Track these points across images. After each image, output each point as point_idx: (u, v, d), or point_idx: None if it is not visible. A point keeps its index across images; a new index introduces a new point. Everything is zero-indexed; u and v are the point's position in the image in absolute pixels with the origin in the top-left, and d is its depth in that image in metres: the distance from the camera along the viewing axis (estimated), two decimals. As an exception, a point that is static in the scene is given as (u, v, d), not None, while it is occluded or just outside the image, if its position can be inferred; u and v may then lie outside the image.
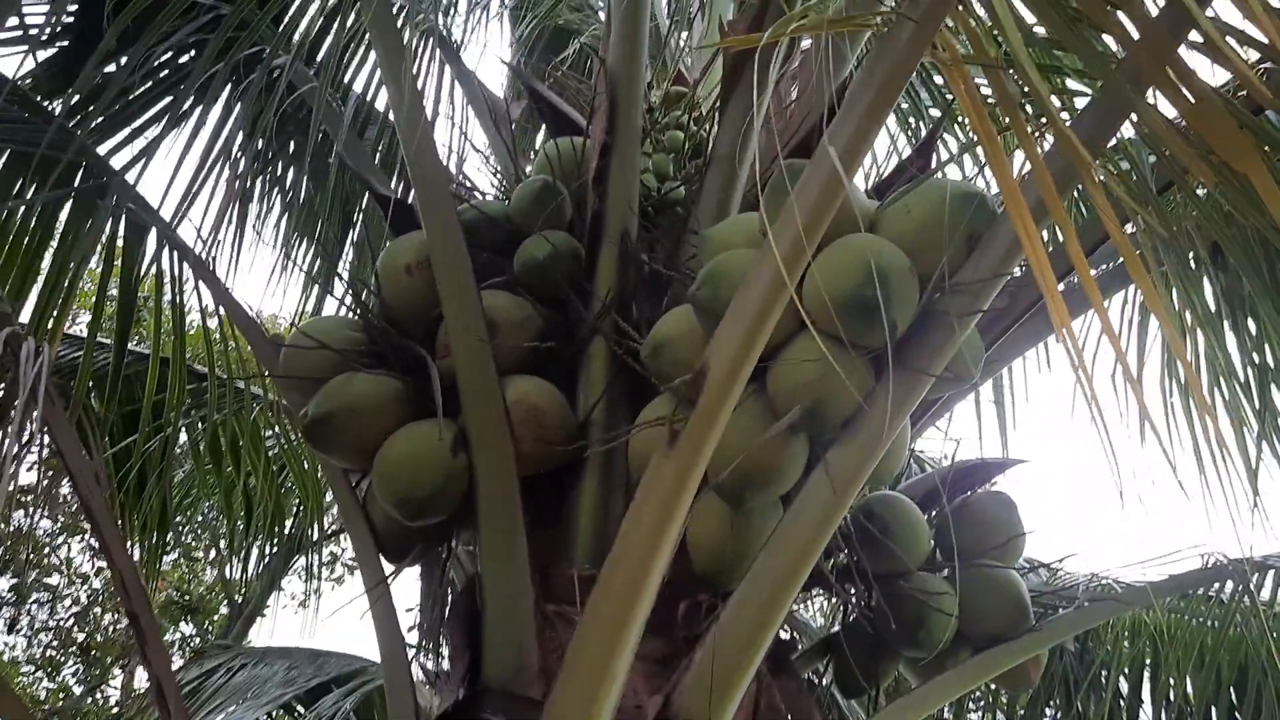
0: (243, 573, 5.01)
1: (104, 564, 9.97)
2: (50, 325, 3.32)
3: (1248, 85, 1.85)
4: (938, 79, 4.61)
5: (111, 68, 3.68)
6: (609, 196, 2.80)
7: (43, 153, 3.25)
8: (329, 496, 5.05)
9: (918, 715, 2.91)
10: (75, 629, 10.36)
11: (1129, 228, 2.95)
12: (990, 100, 2.14)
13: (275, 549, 5.05)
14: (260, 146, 3.75)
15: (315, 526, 4.73)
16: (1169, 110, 1.83)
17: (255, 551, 5.09)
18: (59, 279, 3.48)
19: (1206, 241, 2.88)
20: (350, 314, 2.92)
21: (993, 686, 4.92)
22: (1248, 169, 1.66)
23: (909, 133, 4.73)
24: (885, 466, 2.51)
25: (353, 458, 2.64)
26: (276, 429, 4.29)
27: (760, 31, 2.67)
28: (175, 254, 3.41)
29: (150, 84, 3.84)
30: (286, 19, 3.71)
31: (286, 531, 5.24)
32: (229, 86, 3.77)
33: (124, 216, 3.42)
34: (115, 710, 10.09)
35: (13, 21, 3.44)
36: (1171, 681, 4.15)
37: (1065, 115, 1.81)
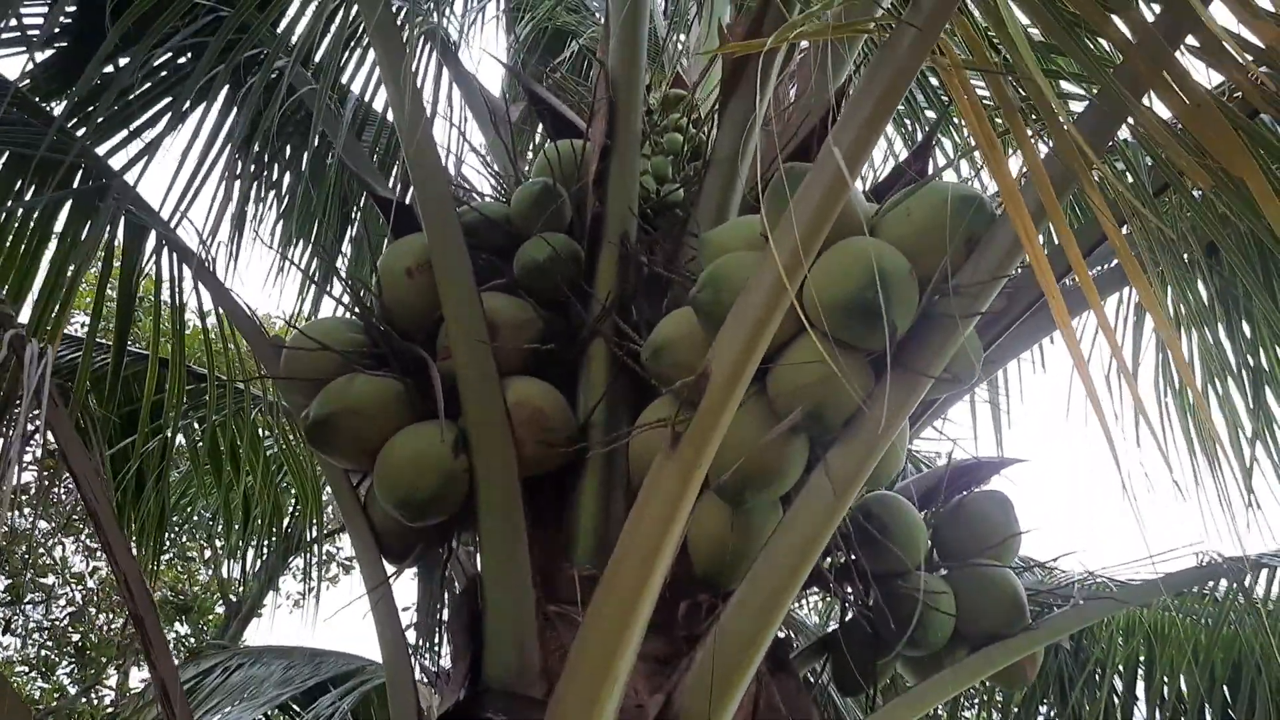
0: (241, 572, 5.01)
1: (99, 564, 9.96)
2: (49, 326, 3.32)
3: (1244, 90, 1.87)
4: (934, 81, 4.63)
5: (110, 69, 3.69)
6: (609, 199, 2.82)
7: (42, 154, 3.25)
8: (326, 496, 5.07)
9: (915, 713, 2.93)
10: (70, 629, 10.34)
11: (1125, 229, 2.98)
12: (988, 104, 2.16)
13: (272, 548, 5.05)
14: (259, 148, 3.75)
15: (313, 526, 4.73)
16: (1164, 114, 1.86)
17: (252, 551, 5.10)
18: (58, 280, 3.48)
19: (1202, 244, 2.90)
20: (350, 315, 2.92)
21: (989, 684, 4.95)
22: (1243, 172, 1.69)
23: (905, 135, 4.76)
24: (884, 467, 2.52)
25: (354, 459, 2.65)
26: (275, 430, 4.29)
27: (759, 34, 2.70)
28: (174, 255, 3.42)
29: (150, 85, 3.85)
30: (285, 21, 3.72)
31: (285, 531, 5.24)
32: (228, 88, 3.78)
33: (123, 217, 3.43)
34: (110, 711, 10.07)
35: (11, 23, 3.44)
36: (1165, 680, 4.17)
37: (1062, 120, 1.82)
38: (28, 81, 3.76)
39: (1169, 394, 3.64)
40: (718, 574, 2.47)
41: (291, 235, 4.28)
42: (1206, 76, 1.91)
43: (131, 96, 3.79)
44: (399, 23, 3.09)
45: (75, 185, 3.46)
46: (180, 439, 4.52)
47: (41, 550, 10.20)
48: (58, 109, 3.79)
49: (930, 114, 4.66)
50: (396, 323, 2.77)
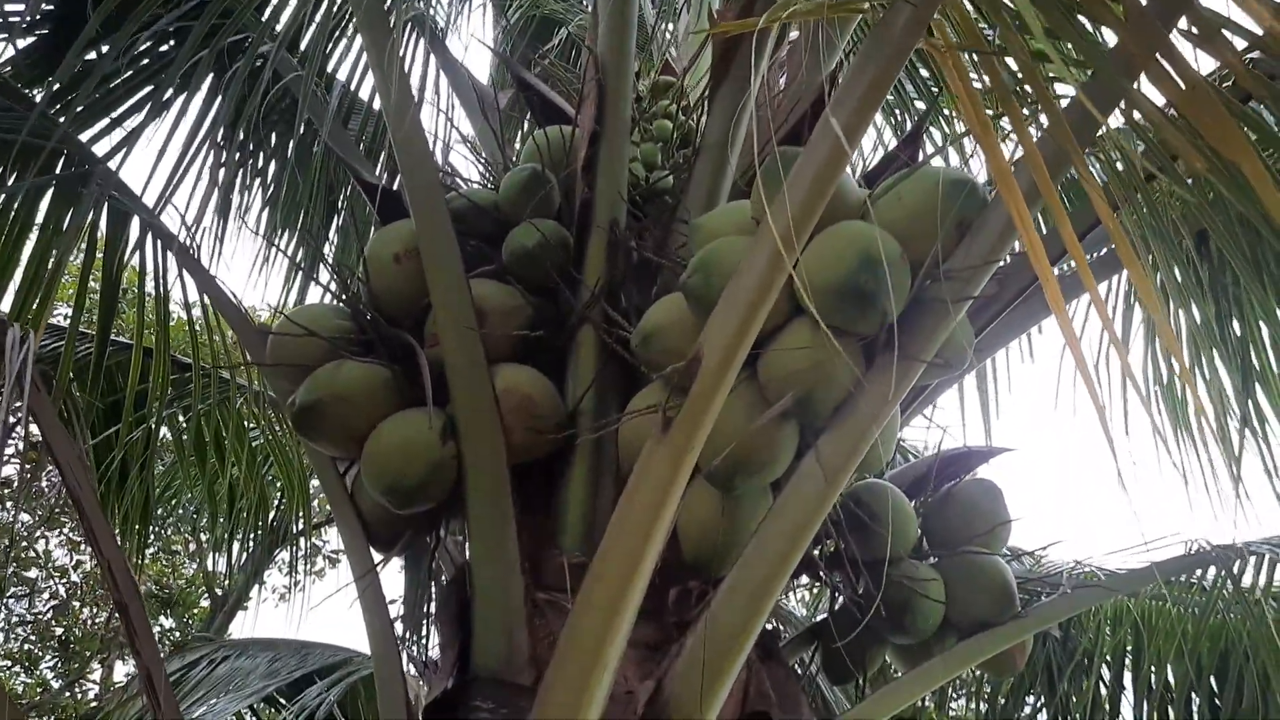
0: (227, 565, 4.97)
1: (83, 558, 9.90)
2: (31, 315, 3.28)
3: (1237, 73, 1.86)
4: (924, 72, 4.63)
5: (92, 55, 3.65)
6: (598, 185, 2.79)
7: (24, 140, 3.21)
8: (312, 489, 5.04)
9: (904, 701, 2.93)
10: (54, 623, 10.27)
11: (1115, 215, 2.98)
12: (981, 89, 2.15)
13: (258, 541, 5.02)
14: (244, 136, 3.72)
15: (300, 518, 4.70)
16: (1157, 99, 1.85)
17: (237, 544, 5.06)
18: (39, 268, 3.44)
19: (1192, 231, 2.90)
20: (337, 302, 2.90)
21: (977, 674, 4.96)
22: (1237, 155, 1.68)
23: (894, 126, 4.75)
24: (875, 454, 2.51)
25: (341, 446, 2.63)
26: (261, 420, 4.26)
27: (750, 18, 2.67)
28: (159, 242, 3.38)
29: (133, 72, 3.81)
30: (270, 9, 3.69)
31: (270, 523, 5.21)
32: (211, 76, 3.74)
33: (106, 204, 3.39)
34: (94, 705, 10.01)
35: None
36: (1153, 669, 4.17)
37: (1055, 101, 1.81)
38: (9, 68, 3.72)
39: (1155, 383, 3.64)
40: (708, 560, 2.46)
41: (277, 224, 4.24)
42: (1196, 62, 1.90)
43: (114, 84, 3.74)
44: (386, 7, 3.05)
45: (57, 172, 3.42)
46: (165, 431, 4.48)
47: (24, 543, 10.13)
48: (40, 96, 3.74)
49: (920, 105, 4.65)
50: (384, 309, 2.75)
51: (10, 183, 3.36)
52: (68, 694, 10.22)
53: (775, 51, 3.06)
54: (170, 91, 3.55)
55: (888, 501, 2.79)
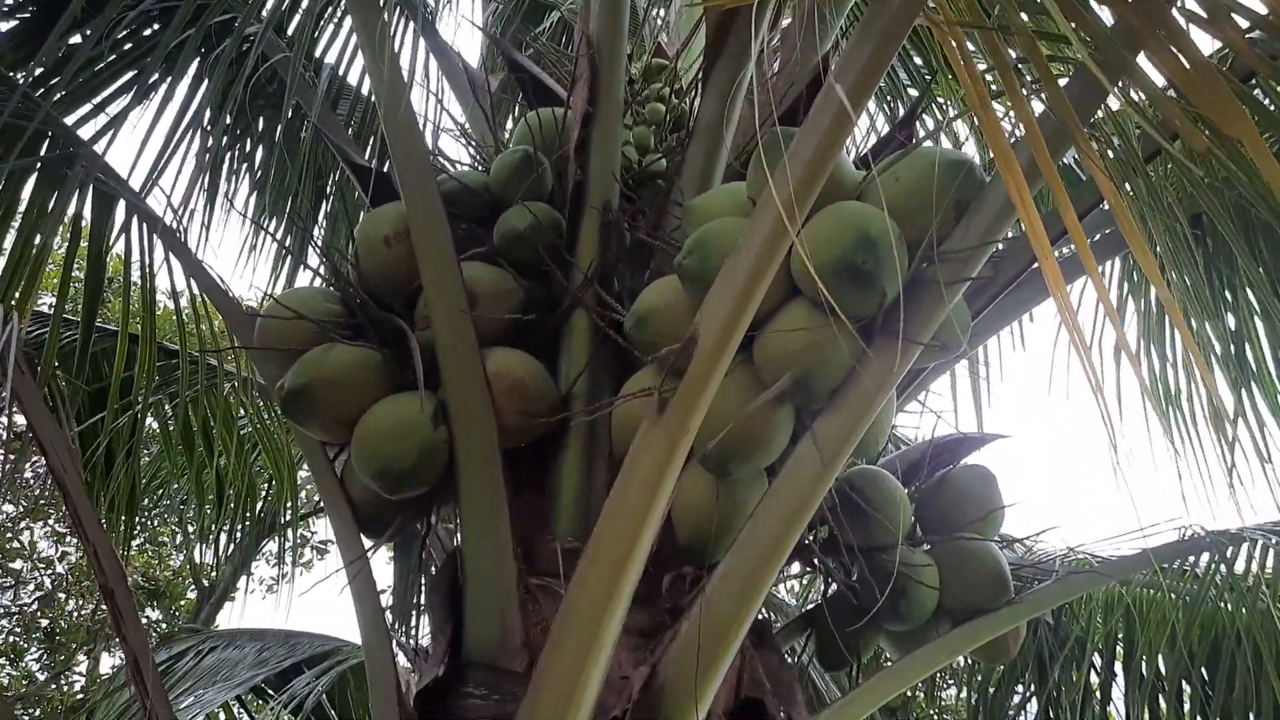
0: (215, 555, 4.93)
1: (69, 549, 9.84)
2: (15, 300, 3.23)
3: (1240, 52, 1.84)
4: (917, 60, 4.61)
5: (77, 39, 3.60)
6: (591, 166, 2.77)
7: (7, 122, 3.16)
8: (300, 478, 4.99)
9: (898, 688, 2.91)
10: (40, 615, 10.21)
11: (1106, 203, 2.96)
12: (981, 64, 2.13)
13: (246, 530, 4.97)
14: (231, 119, 3.67)
15: (288, 507, 4.66)
16: (1157, 79, 1.83)
17: (225, 534, 5.02)
18: (24, 252, 3.39)
19: (1187, 215, 2.88)
20: (326, 286, 2.86)
21: (967, 661, 4.96)
22: (1240, 133, 1.66)
23: (888, 113, 4.73)
24: (871, 438, 2.49)
25: (331, 430, 2.59)
26: (249, 408, 4.22)
27: (744, -2, 2.65)
28: (144, 225, 3.34)
29: (116, 55, 3.76)
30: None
31: (258, 514, 5.17)
32: (198, 57, 3.70)
33: (92, 187, 3.34)
34: (80, 697, 9.96)
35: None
36: (1144, 658, 4.17)
37: (1055, 77, 1.78)
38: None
39: (1150, 368, 3.63)
40: (702, 545, 2.44)
41: (265, 209, 4.20)
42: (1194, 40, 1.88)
43: (99, 67, 3.70)
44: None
45: (42, 154, 3.37)
46: (151, 421, 4.43)
47: (9, 535, 10.06)
48: (23, 81, 3.69)
49: (913, 92, 4.64)
50: (374, 292, 2.71)
51: (-6, 166, 3.31)
52: (53, 686, 10.16)
53: (773, 29, 3.04)
54: (156, 75, 3.51)
55: (881, 487, 2.77)
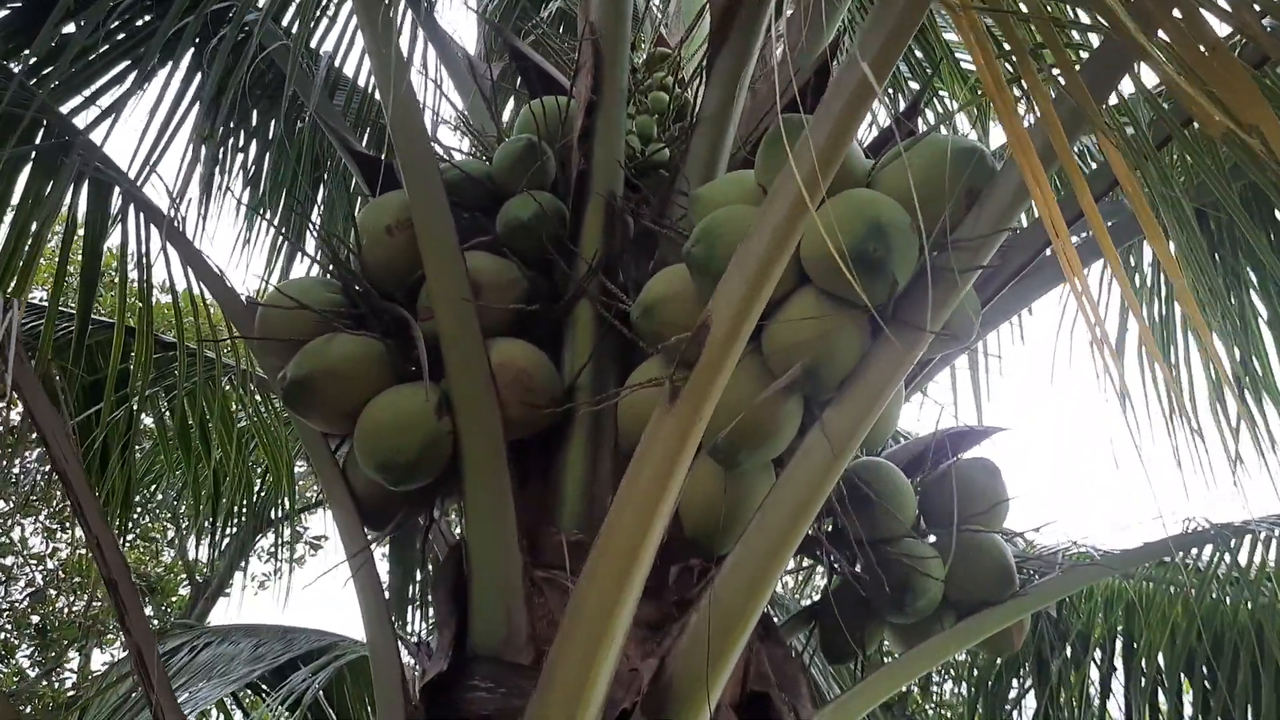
0: (211, 549, 4.89)
1: (59, 545, 9.78)
2: (10, 291, 3.19)
3: (1255, 36, 1.82)
4: (917, 53, 4.59)
5: (71, 28, 3.55)
6: (595, 155, 2.74)
7: (2, 110, 3.12)
8: (295, 471, 4.95)
9: (904, 680, 2.90)
10: (31, 611, 10.14)
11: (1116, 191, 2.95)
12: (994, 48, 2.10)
13: (243, 525, 4.94)
14: (229, 108, 3.63)
15: (285, 501, 4.62)
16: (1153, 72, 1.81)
17: (220, 528, 4.98)
18: (19, 242, 3.35)
19: (1193, 205, 2.87)
20: (326, 275, 2.83)
21: (964, 655, 4.95)
22: (1258, 118, 1.64)
23: (888, 107, 4.72)
24: (879, 429, 2.48)
25: (333, 422, 2.56)
26: (246, 401, 4.18)
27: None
28: (141, 215, 3.30)
29: (109, 46, 3.71)
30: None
31: (253, 508, 5.13)
32: (193, 48, 3.66)
33: (88, 176, 3.30)
34: (71, 693, 9.90)
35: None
36: (1145, 651, 4.16)
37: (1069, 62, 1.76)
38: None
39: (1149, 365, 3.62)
40: (709, 537, 2.42)
41: (265, 199, 4.16)
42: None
43: (93, 56, 3.65)
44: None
45: (37, 143, 3.33)
46: (147, 417, 4.39)
47: (0, 531, 9.99)
48: (19, 69, 3.65)
49: (914, 85, 4.62)
50: (375, 282, 2.68)
51: (-10, 154, 3.26)
52: (44, 683, 10.10)
53: (775, 21, 3.01)
54: (154, 63, 3.46)
55: (887, 479, 2.76)
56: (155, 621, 10.62)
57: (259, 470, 5.04)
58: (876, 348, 2.18)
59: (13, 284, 3.24)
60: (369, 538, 2.57)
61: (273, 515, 5.77)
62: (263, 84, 4.06)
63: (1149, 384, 3.43)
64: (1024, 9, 1.82)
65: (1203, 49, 1.67)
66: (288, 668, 4.79)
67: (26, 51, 3.65)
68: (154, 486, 5.73)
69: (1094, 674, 4.42)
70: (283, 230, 4.09)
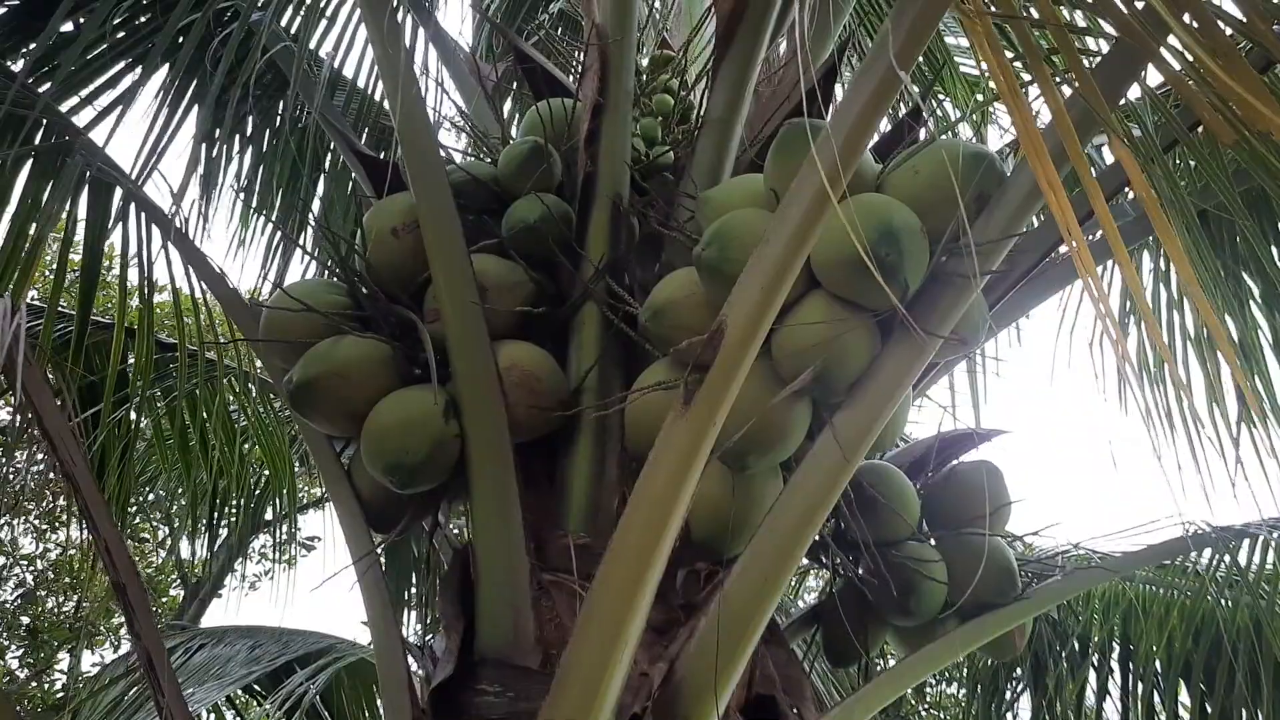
0: (208, 551, 4.87)
1: (49, 546, 9.73)
2: (9, 291, 3.17)
3: (1265, 40, 1.83)
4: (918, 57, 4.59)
5: (69, 27, 3.53)
6: (601, 158, 2.74)
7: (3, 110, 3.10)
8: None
9: (908, 683, 2.90)
10: (20, 611, 10.08)
11: (1130, 194, 2.96)
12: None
13: (239, 525, 4.91)
14: (230, 108, 3.61)
15: (282, 501, 4.60)
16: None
17: (216, 529, 4.96)
18: (18, 242, 3.33)
19: (1196, 209, 2.88)
20: (331, 277, 2.82)
21: (958, 659, 4.95)
22: (1269, 125, 1.64)
23: (889, 112, 4.71)
24: (888, 432, 2.48)
25: (339, 424, 2.55)
26: (247, 403, 4.16)
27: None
28: (142, 215, 3.28)
29: (107, 45, 3.69)
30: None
31: (249, 508, 5.11)
32: (195, 47, 3.64)
33: (88, 176, 3.28)
34: (60, 695, 9.84)
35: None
36: (1145, 654, 4.17)
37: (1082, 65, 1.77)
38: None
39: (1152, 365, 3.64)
40: (717, 541, 2.41)
41: (266, 195, 4.14)
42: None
43: (92, 55, 3.63)
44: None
45: (36, 143, 3.31)
46: (143, 418, 4.36)
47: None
48: (14, 67, 3.62)
49: (913, 88, 4.61)
50: (381, 284, 2.68)
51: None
52: (33, 684, 10.04)
53: (779, 27, 3.01)
54: (154, 62, 3.45)
55: (892, 482, 2.76)
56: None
57: (254, 470, 5.01)
58: (886, 352, 2.19)
59: (11, 284, 3.22)
60: (375, 541, 2.56)
61: (266, 516, 5.75)
62: (262, 84, 4.05)
63: (1149, 386, 3.44)
64: (1034, 14, 1.83)
65: (1213, 56, 1.67)
66: (283, 671, 4.76)
67: (27, 50, 3.63)
68: (148, 488, 5.70)
69: (1091, 677, 4.43)
70: (289, 232, 4.06)
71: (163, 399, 4.25)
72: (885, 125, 4.74)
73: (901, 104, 4.63)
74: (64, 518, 9.60)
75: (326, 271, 3.72)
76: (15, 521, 9.77)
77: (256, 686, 5.06)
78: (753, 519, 2.35)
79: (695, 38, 3.30)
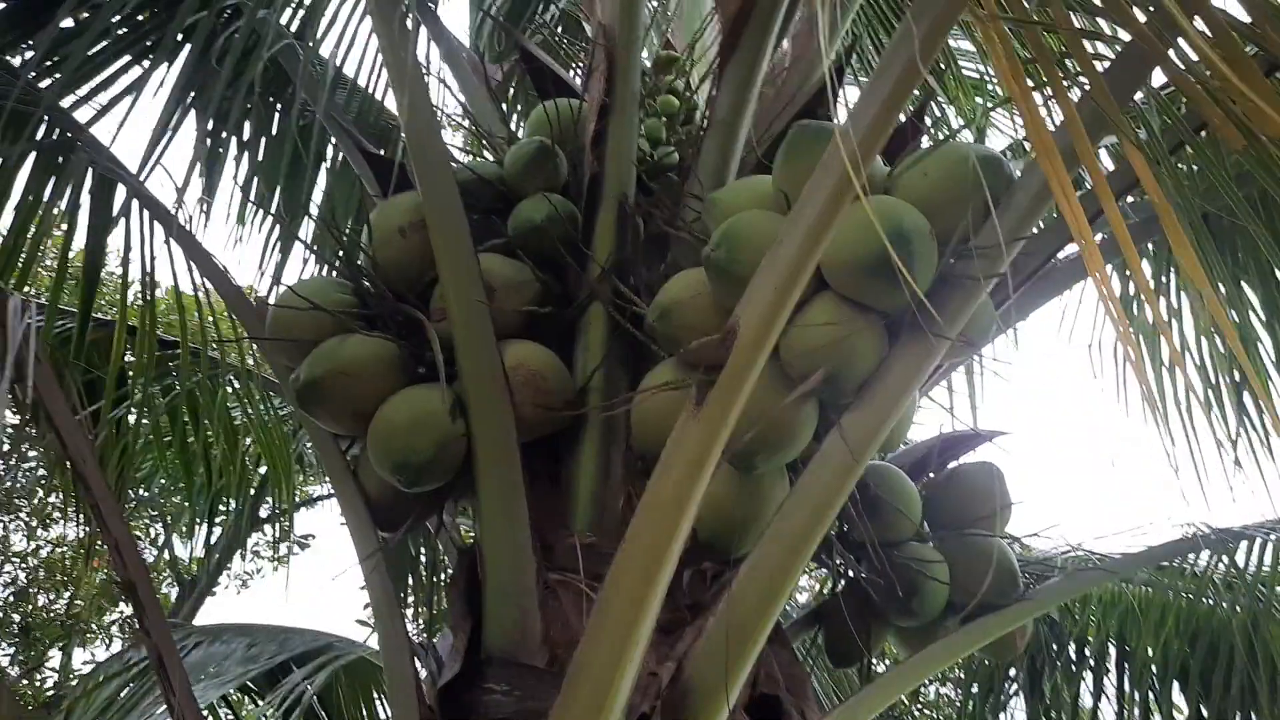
0: (205, 549, 4.85)
1: (40, 543, 9.69)
2: (12, 285, 3.16)
3: (1273, 45, 1.84)
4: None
5: (70, 22, 3.51)
6: (607, 159, 2.74)
7: (3, 105, 3.09)
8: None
9: (910, 684, 2.92)
10: (12, 610, 10.04)
11: (1129, 198, 2.98)
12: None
13: (237, 523, 4.90)
14: (230, 108, 3.60)
15: (280, 499, 4.58)
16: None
17: (212, 527, 4.95)
18: (18, 240, 3.32)
19: (1199, 212, 2.90)
20: (338, 276, 2.82)
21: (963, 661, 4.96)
22: (1277, 132, 1.65)
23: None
24: (895, 434, 2.49)
25: (345, 422, 2.56)
26: (252, 400, 4.14)
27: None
28: (146, 212, 3.27)
29: (109, 40, 3.67)
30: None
31: (245, 506, 5.09)
32: (194, 43, 3.62)
33: (89, 173, 3.27)
34: (51, 693, 9.80)
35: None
36: (1143, 657, 4.19)
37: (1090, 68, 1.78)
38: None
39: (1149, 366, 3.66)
40: (723, 540, 2.41)
41: (268, 193, 4.13)
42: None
43: (93, 50, 3.61)
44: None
45: (39, 140, 3.29)
46: (143, 418, 4.34)
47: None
48: (15, 61, 3.61)
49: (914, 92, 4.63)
50: (387, 283, 2.68)
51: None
52: (24, 681, 10.00)
53: (784, 30, 3.02)
54: (155, 58, 3.44)
55: (895, 483, 2.77)
56: (135, 621, 10.55)
57: (253, 468, 4.99)
58: (895, 353, 2.20)
59: (13, 281, 3.20)
60: (380, 539, 2.56)
61: (268, 512, 5.74)
62: (264, 80, 4.03)
63: (1153, 386, 3.46)
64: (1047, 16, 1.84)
65: (1224, 56, 1.68)
66: (279, 670, 4.74)
67: (26, 45, 3.61)
68: (145, 484, 5.68)
69: (1087, 678, 4.45)
70: (288, 229, 4.05)
71: (162, 397, 4.23)
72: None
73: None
74: (55, 515, 9.58)
75: (330, 269, 3.71)
76: (7, 519, 9.74)
77: (251, 684, 5.05)
78: (759, 519, 2.36)
79: (699, 37, 3.30)
